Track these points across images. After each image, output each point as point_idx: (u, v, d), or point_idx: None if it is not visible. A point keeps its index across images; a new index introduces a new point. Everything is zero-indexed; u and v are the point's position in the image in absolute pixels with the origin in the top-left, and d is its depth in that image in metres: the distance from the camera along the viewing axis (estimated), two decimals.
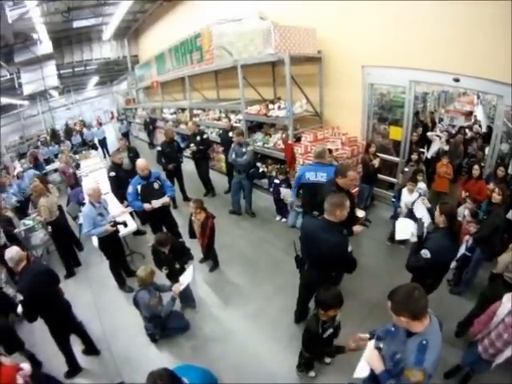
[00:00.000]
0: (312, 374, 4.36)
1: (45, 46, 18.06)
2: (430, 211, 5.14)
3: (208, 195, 10.07)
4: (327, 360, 4.42)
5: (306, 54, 8.08)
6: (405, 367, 2.54)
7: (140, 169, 6.48)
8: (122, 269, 6.94)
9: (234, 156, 7.90)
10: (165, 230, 6.80)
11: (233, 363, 4.72)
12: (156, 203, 6.49)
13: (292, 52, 7.74)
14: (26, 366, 3.43)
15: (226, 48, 9.40)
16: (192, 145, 9.40)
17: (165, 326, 5.30)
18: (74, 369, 5.17)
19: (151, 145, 19.07)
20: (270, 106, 8.64)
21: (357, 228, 4.74)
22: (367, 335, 3.24)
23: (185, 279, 5.16)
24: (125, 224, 6.49)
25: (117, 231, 6.40)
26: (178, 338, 5.41)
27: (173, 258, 5.45)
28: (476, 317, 3.83)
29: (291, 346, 4.72)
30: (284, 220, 8.00)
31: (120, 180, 8.09)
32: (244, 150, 7.90)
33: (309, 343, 3.94)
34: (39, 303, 4.55)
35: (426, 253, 3.85)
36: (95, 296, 6.94)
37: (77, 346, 5.30)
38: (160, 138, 17.14)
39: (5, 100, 25.81)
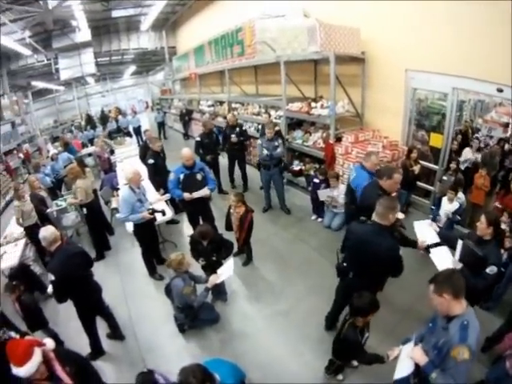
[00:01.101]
0: (340, 377, 4.35)
1: (83, 33, 18.55)
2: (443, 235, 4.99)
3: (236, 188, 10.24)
4: (354, 363, 4.39)
5: (350, 53, 8.05)
6: (450, 348, 2.60)
7: (185, 158, 6.49)
8: (153, 256, 7.04)
9: (265, 152, 7.94)
10: (201, 221, 6.89)
11: (259, 360, 4.76)
12: (196, 194, 6.52)
13: (336, 51, 7.72)
14: (49, 342, 3.42)
15: (269, 43, 9.46)
16: (233, 136, 9.55)
17: (196, 316, 5.35)
18: (96, 352, 5.29)
19: (186, 136, 19.36)
20: (313, 104, 8.67)
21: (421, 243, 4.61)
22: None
23: (224, 272, 5.18)
24: (163, 213, 6.59)
25: (154, 219, 6.48)
26: (207, 330, 5.47)
27: (211, 251, 5.49)
28: (506, 333, 3.85)
29: (318, 349, 4.75)
30: (320, 220, 8.00)
31: (158, 167, 8.33)
32: (276, 143, 7.96)
33: (349, 353, 3.92)
34: (71, 285, 4.61)
35: (492, 269, 3.76)
36: (124, 281, 7.07)
37: (102, 329, 5.41)
38: (195, 129, 17.57)
39: (41, 84, 26.85)
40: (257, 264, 6.82)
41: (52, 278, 4.46)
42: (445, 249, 4.37)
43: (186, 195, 6.51)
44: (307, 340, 4.98)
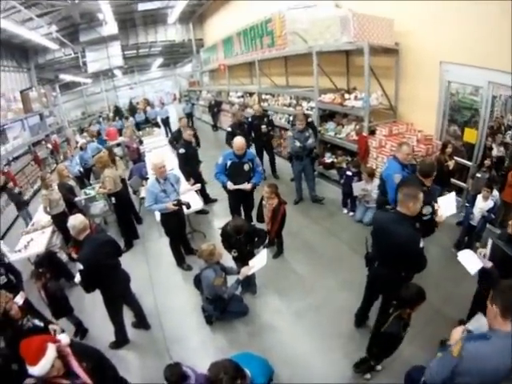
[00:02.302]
0: (368, 376, 4.30)
1: (110, 26, 18.91)
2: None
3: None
4: (378, 367, 4.31)
5: (383, 44, 7.95)
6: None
7: (236, 147, 6.50)
8: (181, 246, 7.12)
9: (297, 143, 7.98)
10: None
11: (286, 355, 4.74)
12: (239, 186, 6.57)
13: (370, 42, 7.67)
14: (64, 338, 3.38)
15: (300, 34, 9.48)
16: (263, 126, 9.71)
17: (225, 308, 5.35)
18: (121, 340, 5.38)
19: (214, 127, 19.58)
20: (346, 95, 8.63)
21: (440, 216, 4.60)
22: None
23: (256, 264, 5.16)
24: (188, 205, 6.64)
25: (180, 209, 6.54)
26: (235, 323, 5.50)
27: (244, 242, 5.49)
28: None
29: (347, 346, 4.74)
30: (351, 214, 7.99)
31: (189, 157, 8.48)
32: (307, 134, 8.02)
33: (389, 348, 3.88)
34: (99, 274, 4.66)
35: None
36: (151, 270, 7.21)
37: (127, 318, 5.50)
38: (224, 120, 17.87)
39: (69, 77, 27.70)
40: (287, 257, 6.85)
41: (81, 267, 4.53)
42: (470, 251, 4.26)
43: (230, 185, 6.60)
44: (336, 337, 4.96)
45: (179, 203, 6.39)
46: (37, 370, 2.92)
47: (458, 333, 2.96)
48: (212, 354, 4.92)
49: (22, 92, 17.49)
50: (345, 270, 6.23)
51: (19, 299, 4.95)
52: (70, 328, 5.49)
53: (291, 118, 10.86)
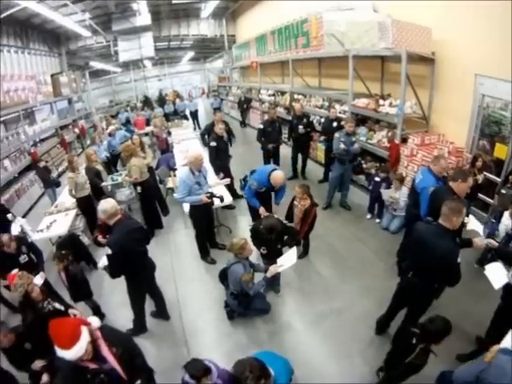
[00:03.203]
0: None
1: (143, 17, 19.10)
2: None
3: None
4: None
5: (420, 53, 7.91)
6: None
7: (274, 182, 6.26)
8: (207, 240, 7.18)
9: (343, 146, 7.88)
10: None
11: (305, 357, 4.77)
12: (263, 211, 6.45)
13: (408, 49, 7.66)
14: (95, 320, 3.30)
15: (337, 36, 9.49)
16: (300, 127, 9.76)
17: (249, 305, 5.39)
18: (139, 328, 5.44)
19: (243, 123, 19.75)
20: (381, 101, 8.63)
21: (479, 241, 4.46)
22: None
23: (285, 262, 5.11)
24: (221, 199, 6.65)
25: (211, 203, 6.59)
26: (256, 320, 5.56)
27: (275, 240, 5.54)
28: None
29: (367, 352, 4.77)
30: (378, 220, 7.99)
31: (219, 151, 8.56)
32: (353, 138, 8.06)
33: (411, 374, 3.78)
34: (127, 260, 4.66)
35: None
36: (174, 261, 7.29)
37: (146, 306, 5.51)
38: (253, 117, 18.20)
39: (99, 65, 28.22)
40: (312, 258, 6.88)
41: (109, 251, 4.54)
42: (499, 264, 4.24)
43: (262, 210, 6.46)
44: (357, 342, 4.98)
45: (212, 196, 6.44)
46: (71, 353, 2.85)
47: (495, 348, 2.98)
48: (230, 350, 5.04)
49: (52, 76, 17.87)
50: (368, 276, 6.25)
51: (39, 279, 5.03)
52: (87, 312, 5.55)
53: (322, 120, 10.88)
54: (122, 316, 5.71)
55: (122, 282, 5.04)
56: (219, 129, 8.70)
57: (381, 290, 5.53)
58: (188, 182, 6.23)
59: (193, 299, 6.23)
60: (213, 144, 8.62)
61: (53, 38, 20.61)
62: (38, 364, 4.37)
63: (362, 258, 6.82)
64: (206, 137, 10.35)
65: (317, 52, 10.80)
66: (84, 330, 2.97)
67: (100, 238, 5.63)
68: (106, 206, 4.64)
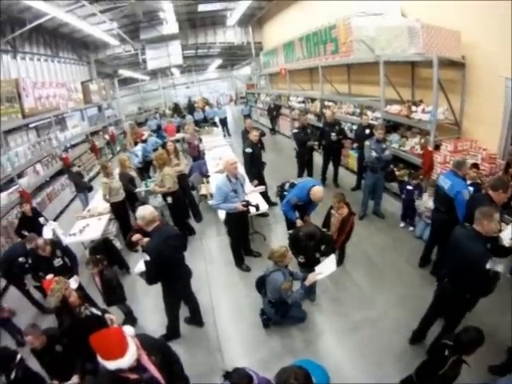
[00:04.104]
0: None
1: (170, 26, 19.53)
2: None
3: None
4: None
5: (450, 57, 7.79)
6: None
7: (315, 198, 6.15)
8: (242, 247, 7.21)
9: (374, 154, 7.82)
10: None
11: (339, 366, 4.75)
12: (300, 223, 6.39)
13: (438, 54, 7.56)
14: (129, 329, 3.17)
15: (366, 42, 9.46)
16: (333, 134, 9.74)
17: (286, 313, 5.34)
18: (172, 334, 5.45)
19: (273, 130, 19.87)
20: (413, 107, 8.48)
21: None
22: None
23: (324, 269, 5.05)
24: (257, 207, 6.68)
25: (247, 211, 6.62)
26: (291, 329, 5.53)
27: (313, 248, 5.50)
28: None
29: (399, 362, 4.70)
30: (411, 229, 7.86)
31: (254, 157, 8.60)
32: (384, 145, 7.97)
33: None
34: (165, 267, 4.72)
35: None
36: (208, 268, 7.34)
37: (180, 312, 5.54)
38: (283, 124, 18.28)
39: (127, 73, 29.00)
40: (347, 267, 6.83)
41: (147, 258, 4.58)
42: None
43: (299, 222, 6.44)
44: (390, 352, 4.93)
45: (248, 204, 6.48)
46: (124, 362, 2.80)
47: None
48: (265, 358, 5.05)
49: (82, 83, 18.45)
50: (402, 285, 6.17)
51: (73, 283, 5.11)
52: (118, 316, 5.56)
53: (354, 127, 10.90)
54: (153, 321, 5.80)
55: (154, 287, 5.09)
56: (254, 136, 8.76)
57: (415, 300, 5.50)
58: (224, 189, 6.29)
59: (227, 306, 6.27)
60: (248, 150, 8.66)
61: (81, 46, 21.27)
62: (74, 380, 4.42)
63: (396, 267, 6.74)
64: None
65: (346, 58, 10.74)
66: (129, 338, 2.95)
67: (135, 237, 5.70)
68: (144, 212, 4.71)
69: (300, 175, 10.21)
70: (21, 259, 6.45)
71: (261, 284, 5.50)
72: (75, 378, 4.42)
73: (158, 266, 4.66)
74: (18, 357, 4.43)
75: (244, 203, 6.41)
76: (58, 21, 14.85)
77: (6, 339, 6.16)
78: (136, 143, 13.91)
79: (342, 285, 6.40)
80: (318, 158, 10.81)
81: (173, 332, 5.50)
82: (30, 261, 6.39)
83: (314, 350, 5.16)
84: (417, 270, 6.43)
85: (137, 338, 3.11)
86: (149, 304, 6.35)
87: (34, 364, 4.60)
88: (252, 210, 6.69)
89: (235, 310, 6.15)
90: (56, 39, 17.83)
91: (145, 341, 3.22)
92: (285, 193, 6.78)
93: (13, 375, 4.23)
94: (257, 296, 5.73)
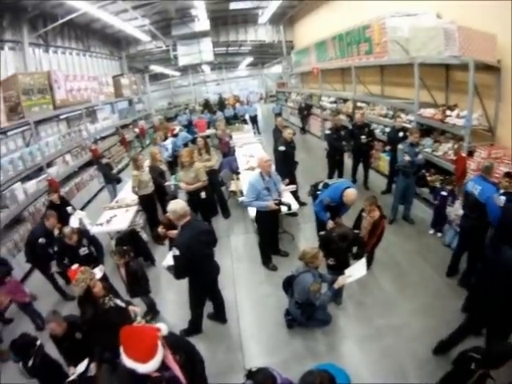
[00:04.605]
0: None
1: (202, 23, 19.73)
2: None
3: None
4: None
5: (487, 61, 7.57)
6: None
7: (348, 201, 6.04)
8: (270, 246, 7.17)
9: (407, 157, 7.66)
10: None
11: (362, 373, 4.66)
12: (332, 225, 6.32)
13: (474, 57, 7.36)
14: (163, 328, 3.15)
15: (401, 43, 9.31)
16: (363, 137, 9.66)
17: (311, 315, 5.29)
18: (194, 330, 5.46)
19: (303, 130, 19.79)
20: (448, 112, 8.28)
21: None
22: None
23: (354, 273, 5.03)
24: (289, 207, 6.63)
25: (278, 210, 6.58)
26: (315, 331, 5.48)
27: (345, 250, 5.47)
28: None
29: (421, 372, 4.61)
30: (439, 235, 7.70)
31: (287, 156, 8.57)
32: (417, 149, 7.79)
33: None
34: (194, 262, 4.71)
35: None
36: (234, 265, 7.35)
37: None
38: (313, 124, 18.24)
39: (158, 69, 29.52)
40: (375, 271, 6.71)
41: (177, 252, 4.57)
42: None
43: (330, 223, 6.37)
44: (413, 361, 4.83)
45: (280, 203, 6.42)
46: (145, 368, 2.83)
47: None
48: (287, 359, 5.02)
49: (114, 77, 18.81)
50: (428, 293, 6.04)
51: (98, 272, 5.22)
52: (141, 308, 5.58)
53: (386, 130, 10.82)
54: (175, 315, 5.86)
55: (178, 281, 5.08)
56: (288, 133, 8.73)
57: (441, 309, 5.42)
58: (257, 187, 6.27)
59: (251, 304, 6.27)
60: (281, 148, 8.60)
61: (113, 42, 21.82)
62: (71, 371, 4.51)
63: (423, 274, 6.60)
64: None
65: (380, 59, 10.64)
66: (159, 343, 2.94)
67: (160, 231, 5.71)
68: (175, 206, 4.72)
69: (330, 176, 10.21)
70: (41, 240, 6.54)
71: (288, 284, 5.45)
72: (92, 366, 4.49)
73: (187, 261, 4.65)
74: (38, 343, 4.50)
75: (276, 202, 6.35)
76: (90, 16, 15.17)
77: (25, 323, 6.32)
78: (166, 138, 14.11)
79: (368, 289, 6.30)
80: (348, 160, 10.69)
81: (195, 327, 5.51)
82: (50, 241, 6.57)
83: (337, 354, 5.11)
84: (444, 279, 6.29)
85: (165, 338, 3.10)
86: (171, 297, 6.41)
87: (51, 350, 4.67)
88: (283, 209, 6.66)
89: (259, 308, 6.14)
90: (88, 34, 18.28)
91: (171, 339, 3.22)
92: (318, 192, 6.74)
93: (30, 362, 4.29)
94: (282, 296, 5.70)
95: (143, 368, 2.81)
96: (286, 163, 8.68)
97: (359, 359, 4.97)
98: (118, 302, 4.78)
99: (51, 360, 4.67)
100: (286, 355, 5.09)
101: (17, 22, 12.20)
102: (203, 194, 7.97)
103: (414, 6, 9.66)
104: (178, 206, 4.71)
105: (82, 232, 6.48)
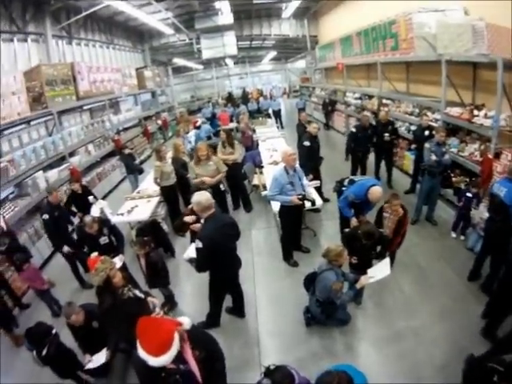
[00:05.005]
0: None
1: (225, 16, 19.75)
2: None
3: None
4: None
5: None
6: None
7: (373, 197, 5.93)
8: (292, 241, 7.12)
9: (434, 157, 7.48)
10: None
11: (376, 376, 4.49)
12: (355, 222, 6.26)
13: (503, 55, 7.12)
14: (187, 322, 3.14)
15: (428, 40, 9.13)
16: (386, 135, 9.54)
17: (331, 314, 5.25)
18: (212, 323, 5.42)
19: (327, 126, 19.65)
20: (475, 111, 8.05)
21: None
22: None
23: (377, 273, 4.99)
24: (313, 202, 6.57)
25: (302, 205, 6.48)
26: (333, 330, 5.43)
27: (369, 248, 5.40)
28: None
29: (437, 379, 4.49)
30: (462, 238, 7.52)
31: (312, 151, 8.54)
32: (444, 149, 7.62)
33: None
34: (217, 255, 4.65)
35: None
36: (254, 259, 7.33)
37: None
38: (337, 120, 18.16)
39: (181, 62, 29.87)
40: (396, 272, 6.48)
41: (200, 245, 4.51)
42: None
43: (354, 221, 6.31)
44: (430, 366, 4.73)
45: (304, 198, 6.34)
46: (157, 361, 2.79)
47: None
48: (303, 357, 4.98)
49: (137, 70, 19.07)
50: (448, 297, 5.91)
51: (118, 262, 5.21)
52: (159, 299, 5.59)
53: (412, 128, 10.65)
54: (192, 307, 5.87)
55: (196, 273, 5.07)
56: (313, 128, 8.71)
57: (460, 314, 5.34)
58: (281, 180, 6.21)
59: (270, 300, 6.25)
60: (306, 143, 8.56)
61: (136, 34, 22.18)
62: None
63: (444, 277, 6.46)
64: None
65: (407, 56, 10.48)
66: (176, 338, 2.89)
67: (188, 218, 5.68)
68: (200, 198, 4.66)
69: (353, 173, 10.05)
70: (44, 216, 6.72)
71: (309, 281, 5.40)
72: (106, 354, 4.53)
73: (209, 254, 4.61)
74: (53, 332, 4.52)
75: (300, 196, 6.25)
76: (114, 9, 15.36)
77: (42, 309, 6.47)
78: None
79: (388, 290, 6.19)
80: (370, 157, 10.60)
81: (213, 321, 5.50)
82: (55, 216, 6.77)
83: (354, 354, 5.08)
84: (465, 283, 6.15)
85: (187, 332, 3.08)
86: (190, 290, 6.45)
87: (65, 337, 4.71)
88: (307, 204, 6.57)
89: (278, 304, 6.10)
90: (111, 27, 18.64)
91: (193, 334, 3.18)
92: (343, 189, 6.66)
93: (44, 351, 4.30)
94: (302, 293, 5.65)
95: (154, 361, 2.78)
96: (310, 158, 8.60)
97: (375, 360, 4.92)
98: (137, 292, 4.79)
99: (66, 349, 4.69)
100: (303, 353, 5.06)
101: (40, 14, 12.43)
102: (222, 186, 8.01)
103: (441, 1, 9.45)
104: (203, 197, 4.65)
105: (103, 221, 6.54)
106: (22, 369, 5.38)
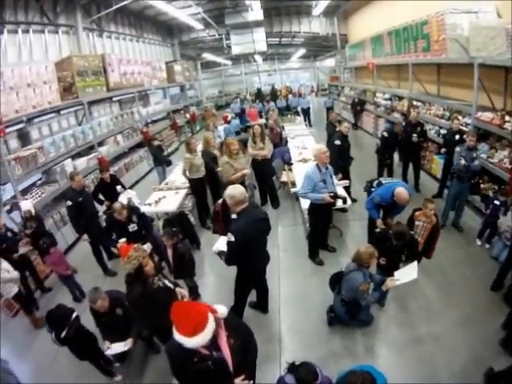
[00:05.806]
0: None
1: (255, 13, 19.71)
2: None
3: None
4: None
5: None
6: None
7: (399, 199, 5.87)
8: (319, 239, 7.11)
9: (463, 162, 7.36)
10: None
11: (393, 376, 4.36)
12: (381, 224, 6.30)
13: None
14: (222, 310, 3.10)
15: (460, 42, 8.93)
16: (414, 136, 9.42)
17: (355, 314, 5.24)
18: None
19: (355, 126, 19.53)
20: (507, 117, 7.81)
21: None
22: None
23: (403, 276, 4.94)
24: (344, 200, 6.50)
25: (333, 203, 6.41)
26: (355, 331, 5.43)
27: (399, 250, 5.34)
28: None
29: None
30: (487, 246, 7.37)
31: (343, 151, 8.53)
32: (474, 154, 7.49)
33: None
34: (247, 249, 4.63)
35: None
36: (280, 256, 7.33)
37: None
38: (366, 120, 18.06)
39: (210, 57, 30.05)
40: (420, 276, 6.36)
41: (232, 238, 4.48)
42: None
43: (380, 222, 6.32)
44: (449, 373, 4.68)
45: (336, 196, 6.30)
46: (192, 342, 2.76)
47: None
48: (324, 356, 4.98)
49: (167, 63, 19.22)
50: (471, 305, 5.85)
51: (146, 249, 5.28)
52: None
53: (441, 131, 10.51)
54: (215, 299, 5.69)
55: (221, 266, 5.14)
56: (344, 127, 8.76)
57: (482, 323, 5.28)
58: (313, 178, 6.19)
59: (294, 297, 6.26)
60: (337, 142, 8.58)
61: (166, 29, 22.46)
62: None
63: (467, 285, 6.38)
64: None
65: (438, 57, 10.28)
66: (211, 320, 2.86)
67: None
68: (234, 191, 4.63)
69: (380, 175, 9.98)
70: (68, 203, 6.89)
71: (335, 281, 5.41)
72: (130, 342, 4.64)
73: (241, 248, 4.60)
74: (74, 315, 4.61)
75: (332, 194, 6.22)
76: (144, 3, 15.62)
77: (64, 293, 6.66)
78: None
79: (411, 294, 6.15)
80: (396, 159, 10.59)
81: (237, 314, 5.41)
82: (78, 201, 6.91)
83: (374, 356, 5.10)
84: (488, 293, 6.05)
85: (224, 320, 3.08)
86: (213, 281, 6.54)
87: (86, 320, 4.82)
88: (338, 202, 6.51)
89: (302, 302, 6.12)
90: (141, 21, 18.94)
91: (230, 322, 3.19)
92: (372, 189, 6.68)
93: (63, 334, 4.39)
94: (326, 292, 5.67)
95: (188, 341, 2.75)
96: (340, 158, 8.55)
97: (394, 363, 4.90)
98: (167, 282, 4.82)
99: (87, 332, 4.80)
100: (324, 352, 5.07)
101: (71, 7, 12.70)
102: (246, 181, 8.07)
103: (474, 3, 9.20)
104: (237, 191, 4.62)
105: (132, 208, 6.68)
106: (39, 351, 5.52)
